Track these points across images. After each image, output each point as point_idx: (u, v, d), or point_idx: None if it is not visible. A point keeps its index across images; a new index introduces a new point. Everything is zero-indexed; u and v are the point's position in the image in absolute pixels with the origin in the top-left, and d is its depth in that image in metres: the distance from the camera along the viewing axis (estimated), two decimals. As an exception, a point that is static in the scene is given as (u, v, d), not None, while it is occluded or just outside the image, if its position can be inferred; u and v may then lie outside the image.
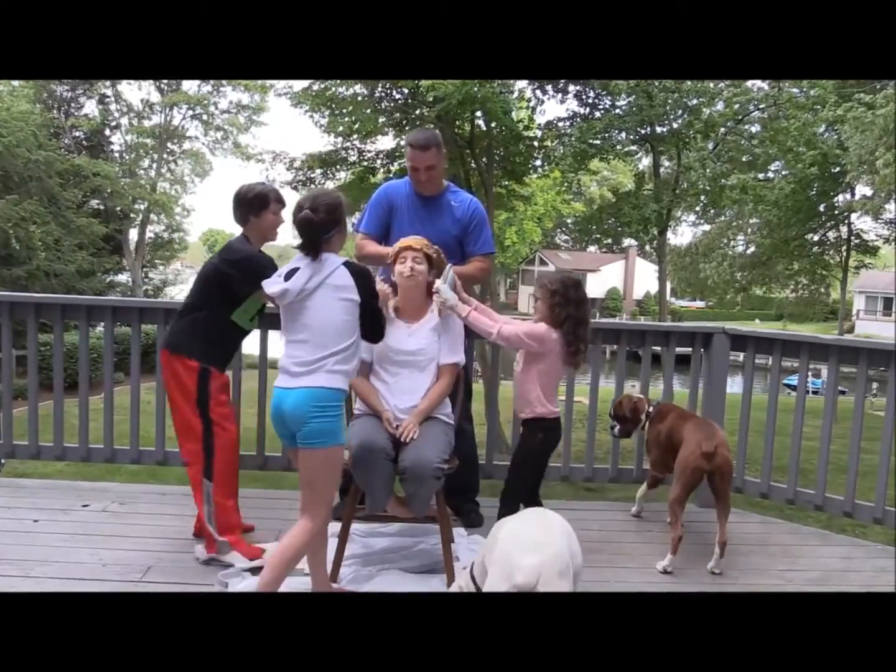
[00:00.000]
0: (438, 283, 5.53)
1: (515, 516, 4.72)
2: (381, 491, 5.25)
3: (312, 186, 25.08)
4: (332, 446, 4.66)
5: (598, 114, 24.10)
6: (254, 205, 5.74)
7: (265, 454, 7.21)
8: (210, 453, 5.67)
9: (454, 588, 4.81)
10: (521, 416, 5.89)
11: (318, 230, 4.66)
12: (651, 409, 6.78)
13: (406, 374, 5.59)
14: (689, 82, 22.33)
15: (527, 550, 4.22)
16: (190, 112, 53.63)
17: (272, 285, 4.71)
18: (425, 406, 5.47)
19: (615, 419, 6.91)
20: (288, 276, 4.69)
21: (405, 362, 5.60)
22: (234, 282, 5.57)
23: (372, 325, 4.93)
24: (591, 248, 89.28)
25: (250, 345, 6.67)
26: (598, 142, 23.67)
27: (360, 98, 23.25)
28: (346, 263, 4.71)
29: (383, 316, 5.11)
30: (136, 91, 79.74)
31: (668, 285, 35.64)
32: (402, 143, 23.41)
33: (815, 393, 23.81)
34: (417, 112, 23.18)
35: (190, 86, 51.48)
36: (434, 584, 5.42)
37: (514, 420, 7.09)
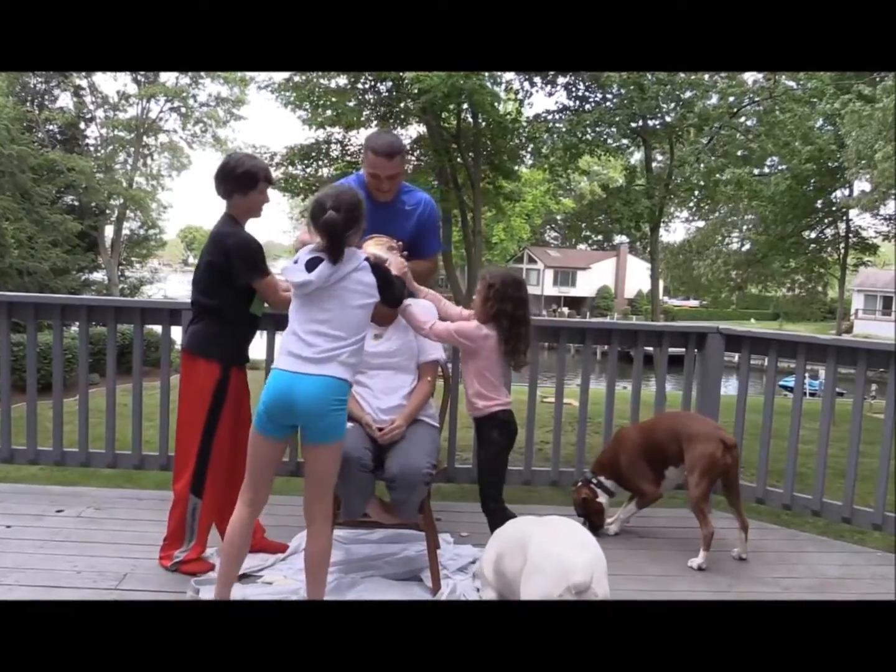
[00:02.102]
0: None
1: (533, 521, 4.70)
2: (355, 500, 5.24)
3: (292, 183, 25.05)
4: (341, 440, 4.74)
5: (588, 107, 24.11)
6: (241, 182, 5.61)
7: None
8: (204, 466, 5.62)
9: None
10: (472, 416, 5.79)
11: (342, 231, 4.64)
12: (594, 480, 6.75)
13: (385, 376, 5.62)
14: (682, 74, 22.36)
15: (575, 548, 4.23)
16: (168, 105, 53.58)
17: (295, 274, 4.68)
18: (411, 409, 5.48)
19: (584, 517, 6.69)
20: (310, 266, 4.66)
21: (382, 364, 5.63)
22: (234, 273, 5.48)
23: (391, 301, 5.10)
24: (582, 246, 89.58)
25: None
26: (588, 136, 23.69)
27: (343, 90, 23.23)
28: (367, 259, 4.78)
29: (401, 287, 5.16)
30: (111, 82, 79.67)
31: (661, 283, 35.71)
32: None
33: (812, 395, 23.86)
34: (402, 105, 23.18)
35: (167, 77, 51.48)
36: (419, 592, 5.41)
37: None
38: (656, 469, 6.55)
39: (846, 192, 29.34)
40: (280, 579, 5.50)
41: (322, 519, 4.76)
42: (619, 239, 63.47)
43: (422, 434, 5.44)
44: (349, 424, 5.35)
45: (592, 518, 6.59)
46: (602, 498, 6.64)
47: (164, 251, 77.36)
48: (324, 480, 4.77)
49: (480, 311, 5.60)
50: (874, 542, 7.23)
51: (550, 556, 4.22)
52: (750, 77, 24.72)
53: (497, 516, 5.47)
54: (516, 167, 27.38)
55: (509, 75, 23.59)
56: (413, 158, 25.35)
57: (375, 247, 5.47)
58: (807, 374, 7.45)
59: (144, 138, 53.47)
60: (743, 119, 25.83)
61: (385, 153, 5.92)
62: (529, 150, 25.56)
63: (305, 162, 25.56)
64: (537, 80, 23.85)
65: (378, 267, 4.85)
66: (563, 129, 23.08)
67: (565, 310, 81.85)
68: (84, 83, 50.69)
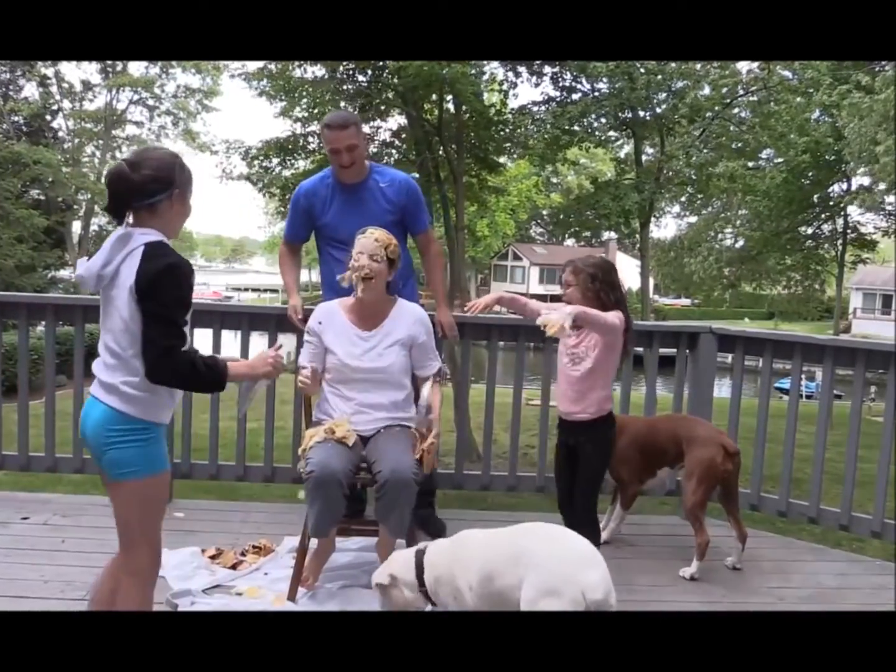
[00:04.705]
0: (540, 320, 5.14)
1: (522, 534, 4.55)
2: (325, 520, 5.25)
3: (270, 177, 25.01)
4: (141, 478, 3.92)
5: (575, 97, 24.06)
6: None
7: (217, 463, 7.17)
8: None
9: (384, 578, 4.77)
10: (587, 416, 5.71)
11: (132, 190, 3.82)
12: None
13: (372, 390, 5.58)
14: (673, 64, 22.33)
15: (587, 564, 4.16)
16: (136, 96, 53.41)
17: (78, 266, 4.02)
18: (436, 415, 5.58)
19: None
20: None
21: (368, 380, 5.57)
22: None
23: (146, 352, 3.86)
24: (569, 242, 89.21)
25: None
26: (575, 127, 23.65)
27: (319, 79, 23.17)
28: (147, 245, 3.84)
29: (170, 346, 3.84)
30: (78, 72, 79.41)
31: (651, 281, 35.73)
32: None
33: (808, 397, 23.88)
34: (382, 97, 23.13)
35: (137, 67, 51.28)
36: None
37: (486, 427, 7.03)
38: (649, 466, 6.53)
39: (844, 186, 29.34)
40: (251, 589, 5.48)
41: (129, 576, 4.12)
42: (608, 235, 63.49)
43: (402, 441, 5.45)
44: (329, 443, 5.30)
45: None
46: None
47: (134, 247, 76.88)
48: (125, 526, 4.06)
49: (593, 304, 5.50)
50: (873, 550, 7.24)
51: (563, 575, 4.11)
52: (744, 67, 24.69)
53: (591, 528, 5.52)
54: (502, 160, 27.34)
55: (493, 64, 23.54)
56: (394, 151, 25.33)
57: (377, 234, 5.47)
58: (803, 376, 7.46)
59: (113, 131, 53.29)
60: (736, 110, 25.79)
61: (337, 125, 6.15)
62: (514, 141, 25.50)
63: (282, 155, 25.46)
64: (522, 69, 23.79)
65: (154, 255, 3.81)
66: (549, 122, 23.03)
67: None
68: (50, 72, 50.53)
